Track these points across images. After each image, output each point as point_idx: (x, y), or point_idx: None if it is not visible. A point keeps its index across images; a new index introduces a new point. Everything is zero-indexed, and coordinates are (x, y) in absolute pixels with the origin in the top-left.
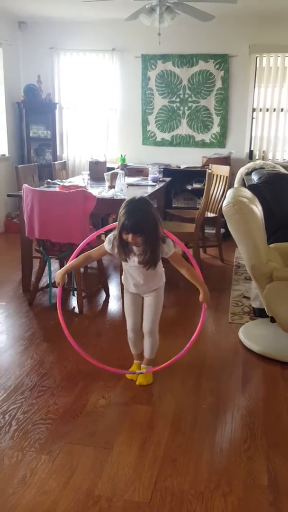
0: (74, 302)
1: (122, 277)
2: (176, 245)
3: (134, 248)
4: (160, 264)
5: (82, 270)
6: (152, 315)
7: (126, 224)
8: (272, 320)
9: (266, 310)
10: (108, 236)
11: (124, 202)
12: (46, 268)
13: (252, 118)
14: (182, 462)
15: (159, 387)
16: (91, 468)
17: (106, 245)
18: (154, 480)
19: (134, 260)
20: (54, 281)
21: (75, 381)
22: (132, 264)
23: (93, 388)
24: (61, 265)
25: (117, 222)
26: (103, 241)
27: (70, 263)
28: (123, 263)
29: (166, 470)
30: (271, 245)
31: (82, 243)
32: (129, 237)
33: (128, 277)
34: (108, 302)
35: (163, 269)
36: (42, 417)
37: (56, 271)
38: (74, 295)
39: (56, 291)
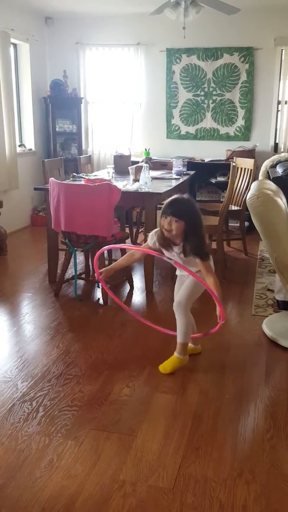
0: (98, 293)
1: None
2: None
3: (174, 247)
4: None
5: (106, 262)
6: (184, 291)
7: (166, 208)
8: None
9: None
10: (152, 232)
11: None
12: (72, 260)
13: (277, 110)
14: (205, 450)
15: (183, 377)
16: (115, 454)
17: (149, 240)
18: (177, 467)
19: (174, 253)
20: (80, 273)
21: (100, 370)
22: (173, 255)
23: (118, 377)
24: (86, 257)
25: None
26: (127, 233)
27: (116, 262)
28: (166, 254)
29: (190, 458)
30: None
31: (98, 252)
32: (166, 223)
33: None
34: (132, 294)
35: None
36: (68, 404)
37: (81, 263)
38: (98, 287)
39: (101, 286)
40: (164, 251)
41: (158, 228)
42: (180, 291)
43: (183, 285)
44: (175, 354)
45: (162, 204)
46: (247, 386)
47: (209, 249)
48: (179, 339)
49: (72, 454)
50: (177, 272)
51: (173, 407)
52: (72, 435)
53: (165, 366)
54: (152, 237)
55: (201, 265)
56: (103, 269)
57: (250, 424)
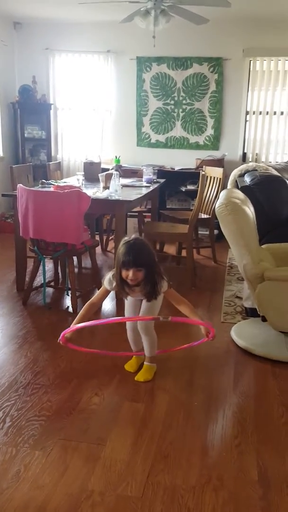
0: (68, 301)
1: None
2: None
3: (136, 288)
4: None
5: (76, 270)
6: (146, 311)
7: (127, 260)
8: (264, 319)
9: (257, 310)
10: (107, 277)
11: (121, 243)
12: (41, 267)
13: (246, 120)
14: (174, 458)
15: (152, 385)
16: (84, 463)
17: (107, 285)
18: (146, 475)
19: (137, 294)
20: (48, 281)
21: (68, 379)
22: (134, 298)
23: (87, 385)
24: (55, 265)
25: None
26: (97, 241)
27: (76, 319)
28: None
29: (159, 466)
30: (263, 246)
31: None
32: (130, 273)
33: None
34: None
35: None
36: (36, 414)
37: (50, 271)
38: (68, 295)
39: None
40: (125, 294)
41: (112, 272)
42: (142, 313)
43: (144, 306)
44: (149, 363)
45: (133, 212)
46: (216, 393)
47: (164, 274)
48: (148, 354)
49: (39, 464)
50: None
51: (142, 415)
52: (40, 445)
53: (144, 375)
54: (110, 282)
55: (169, 296)
56: (67, 335)
57: (219, 431)
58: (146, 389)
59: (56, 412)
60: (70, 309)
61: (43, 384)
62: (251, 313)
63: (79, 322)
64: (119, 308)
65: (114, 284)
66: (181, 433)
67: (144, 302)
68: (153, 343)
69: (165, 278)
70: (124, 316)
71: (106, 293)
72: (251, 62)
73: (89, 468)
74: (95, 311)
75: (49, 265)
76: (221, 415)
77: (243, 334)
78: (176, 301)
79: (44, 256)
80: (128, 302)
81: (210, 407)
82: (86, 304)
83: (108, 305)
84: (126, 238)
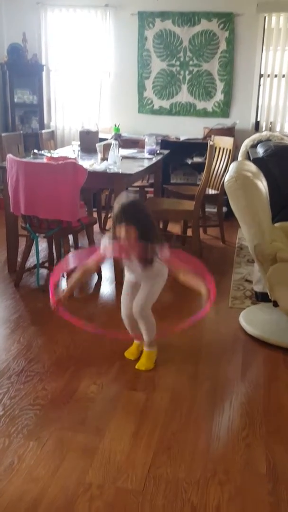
0: (63, 284)
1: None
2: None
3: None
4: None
5: (72, 249)
6: (142, 298)
7: (119, 215)
8: (275, 304)
9: (268, 294)
10: (103, 240)
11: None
12: (33, 247)
13: (259, 85)
14: (177, 450)
15: (154, 373)
16: (81, 455)
17: (101, 250)
18: (147, 468)
19: (135, 263)
20: (42, 261)
21: (65, 366)
22: (135, 267)
23: (84, 373)
24: (49, 244)
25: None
26: (95, 218)
27: (70, 280)
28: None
29: (161, 458)
30: (276, 224)
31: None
32: (122, 230)
33: (127, 270)
34: (100, 284)
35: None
36: (30, 403)
37: (44, 251)
38: (64, 277)
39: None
40: (126, 263)
41: (109, 236)
42: (139, 296)
43: (140, 292)
44: (148, 348)
45: (133, 187)
46: (222, 383)
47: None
48: (147, 338)
49: (34, 456)
50: (127, 277)
51: (143, 405)
52: (35, 435)
53: (144, 363)
54: (106, 247)
55: (166, 262)
56: (61, 296)
57: (225, 423)
58: (147, 378)
59: (52, 401)
60: None
61: (38, 371)
62: (261, 297)
63: (71, 286)
64: (118, 292)
65: (110, 246)
66: (184, 424)
67: (142, 284)
68: (150, 327)
69: (162, 242)
70: (120, 301)
71: (101, 258)
72: (266, 18)
73: (86, 460)
74: (90, 276)
75: (42, 244)
76: (228, 405)
77: (253, 320)
78: (175, 268)
79: (37, 234)
80: (126, 286)
81: (216, 397)
82: (81, 268)
83: (107, 288)
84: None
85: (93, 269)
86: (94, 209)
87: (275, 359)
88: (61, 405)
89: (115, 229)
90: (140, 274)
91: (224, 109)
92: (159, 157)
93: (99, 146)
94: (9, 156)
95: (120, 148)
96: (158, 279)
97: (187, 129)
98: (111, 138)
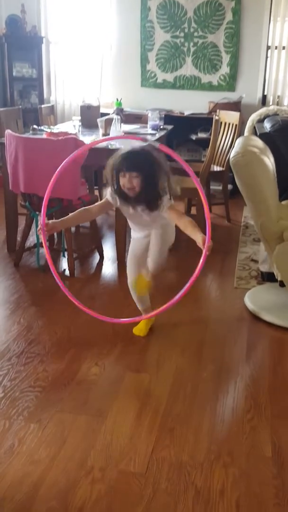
0: (64, 264)
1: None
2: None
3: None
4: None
5: (73, 229)
6: (156, 253)
7: (122, 162)
8: (282, 284)
9: (275, 274)
10: (109, 189)
11: None
12: (33, 226)
13: (267, 57)
14: (181, 432)
15: (158, 355)
16: (83, 437)
17: (109, 196)
18: (150, 450)
19: (139, 210)
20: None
21: (66, 347)
22: (135, 212)
23: (86, 354)
24: None
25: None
26: (96, 196)
27: (68, 217)
28: (126, 214)
29: (164, 440)
30: (283, 202)
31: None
32: (126, 179)
33: (134, 227)
34: (102, 264)
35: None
36: (30, 385)
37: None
38: (64, 256)
39: (45, 252)
40: (127, 210)
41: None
42: (153, 254)
43: (153, 245)
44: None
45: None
46: (227, 364)
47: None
48: (153, 271)
49: (35, 438)
50: (133, 235)
51: (146, 387)
52: (35, 418)
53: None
54: (112, 195)
55: (170, 212)
56: (51, 221)
57: (229, 404)
58: (150, 359)
59: (53, 383)
60: (67, 272)
61: (38, 352)
62: (267, 277)
63: (64, 220)
64: (120, 272)
65: (115, 197)
66: (188, 406)
67: (153, 235)
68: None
69: (172, 193)
70: (122, 281)
71: (106, 205)
72: None
73: (88, 442)
74: (89, 218)
75: None
76: (232, 387)
77: (258, 300)
78: (177, 215)
79: (37, 213)
80: (133, 244)
81: (221, 379)
82: (82, 208)
83: (109, 268)
84: None
85: (94, 213)
86: (95, 187)
87: (281, 340)
88: (62, 387)
89: (118, 179)
90: (148, 222)
91: (230, 83)
92: (162, 133)
93: (100, 121)
94: (8, 131)
95: (122, 124)
96: (167, 228)
97: (191, 103)
98: (113, 113)
